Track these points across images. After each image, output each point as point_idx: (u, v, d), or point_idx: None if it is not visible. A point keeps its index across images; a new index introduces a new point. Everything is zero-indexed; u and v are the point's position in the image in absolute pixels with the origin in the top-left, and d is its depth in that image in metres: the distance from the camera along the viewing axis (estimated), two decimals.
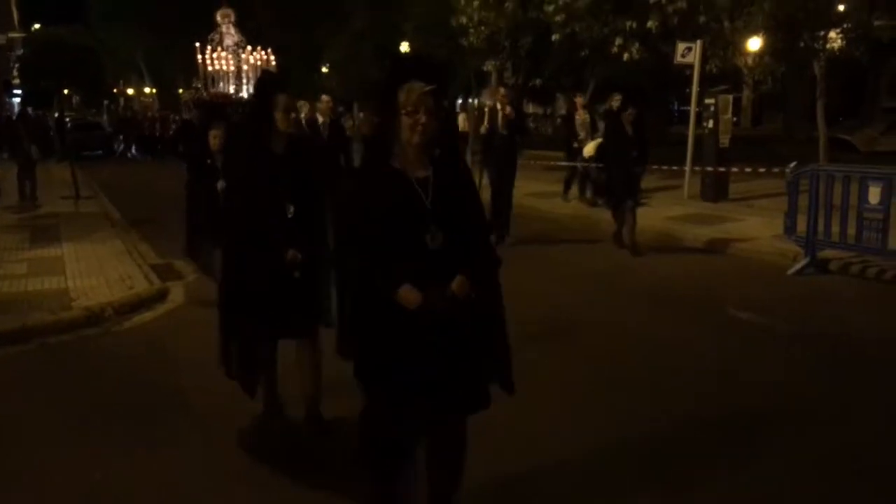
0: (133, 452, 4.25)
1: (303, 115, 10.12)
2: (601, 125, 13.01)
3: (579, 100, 14.12)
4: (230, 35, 24.72)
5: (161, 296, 7.71)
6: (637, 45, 16.25)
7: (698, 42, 13.30)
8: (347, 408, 3.45)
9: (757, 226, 10.49)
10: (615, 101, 13.09)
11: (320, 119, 10.09)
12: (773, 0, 11.92)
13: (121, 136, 35.53)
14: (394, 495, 3.11)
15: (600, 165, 12.05)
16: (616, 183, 9.50)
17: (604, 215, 10.42)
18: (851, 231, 7.99)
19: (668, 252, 9.43)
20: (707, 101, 13.11)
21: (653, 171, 11.93)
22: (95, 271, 8.52)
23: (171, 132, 29.86)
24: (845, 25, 12.29)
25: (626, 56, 16.36)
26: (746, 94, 32.80)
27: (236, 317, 4.22)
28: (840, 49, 12.62)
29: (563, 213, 12.88)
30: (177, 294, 7.84)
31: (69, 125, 29.93)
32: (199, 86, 24.74)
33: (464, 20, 18.21)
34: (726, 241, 9.75)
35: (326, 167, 4.76)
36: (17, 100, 42.17)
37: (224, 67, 24.23)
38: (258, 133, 4.09)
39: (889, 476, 3.90)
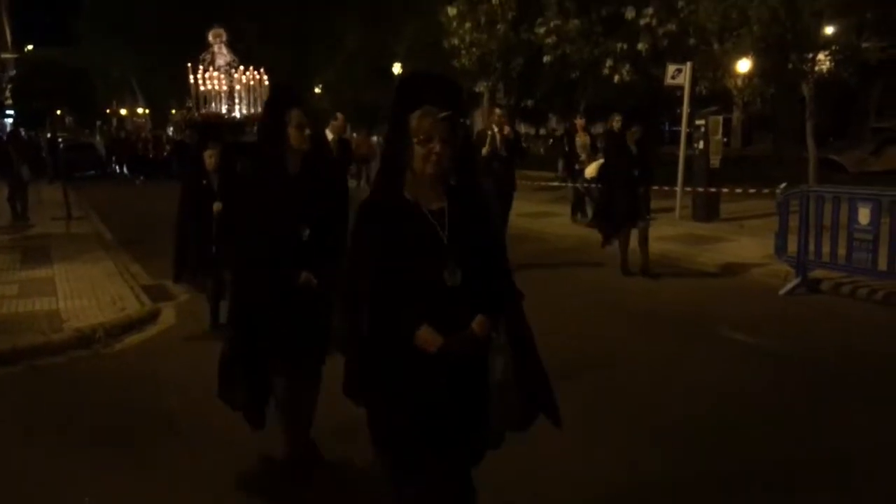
0: (123, 476, 4.22)
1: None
2: (599, 146, 13.08)
3: (580, 121, 14.13)
4: (222, 55, 24.78)
5: (152, 317, 7.68)
6: (627, 66, 16.39)
7: (688, 64, 13.42)
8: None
9: (748, 246, 10.53)
10: (616, 122, 13.18)
11: (330, 136, 9.85)
12: (761, 23, 12.04)
13: (113, 157, 35.55)
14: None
15: (602, 186, 12.07)
16: (618, 205, 9.15)
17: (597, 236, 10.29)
18: (842, 251, 8.03)
19: (660, 272, 9.44)
20: (697, 122, 13.20)
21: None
22: (87, 292, 8.49)
23: (164, 152, 29.87)
24: (833, 48, 12.42)
25: (616, 78, 16.50)
26: (736, 115, 33.01)
27: (248, 347, 3.96)
28: (829, 71, 12.75)
29: (555, 233, 12.90)
30: (168, 315, 7.81)
31: (61, 146, 29.93)
32: (191, 105, 24.74)
33: (456, 42, 18.35)
34: (718, 262, 9.77)
35: (342, 186, 4.53)
36: (10, 120, 42.24)
37: (216, 87, 24.23)
38: (271, 152, 3.90)
39: (887, 488, 3.90)
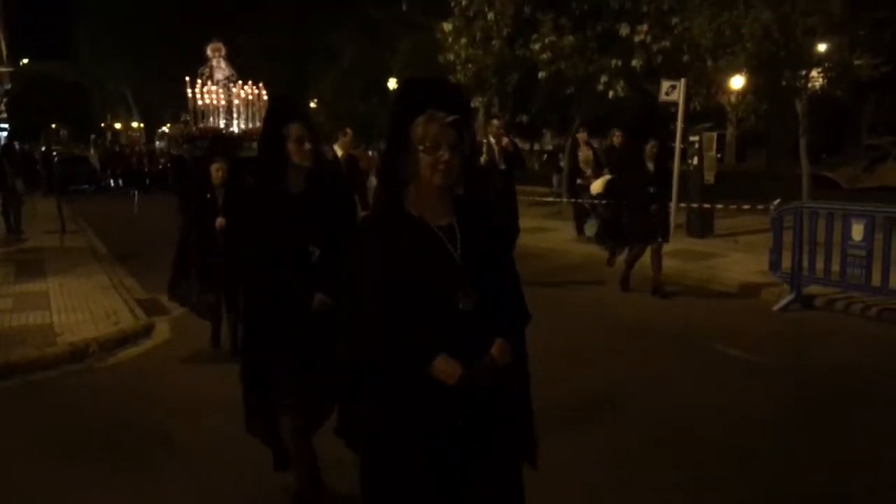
0: (117, 492, 4.20)
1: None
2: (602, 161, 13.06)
3: (582, 136, 14.07)
4: (221, 69, 24.69)
5: (146, 331, 7.66)
6: (622, 82, 16.46)
7: (682, 80, 13.50)
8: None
9: (743, 262, 10.56)
10: (616, 137, 13.22)
11: (339, 152, 9.51)
12: (755, 40, 12.11)
13: (108, 170, 35.55)
14: None
15: (608, 203, 12.06)
16: (633, 223, 8.92)
17: (602, 253, 10.25)
18: (836, 267, 8.06)
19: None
20: (692, 138, 13.28)
21: None
22: (80, 306, 8.46)
23: (158, 166, 29.88)
24: (826, 65, 12.50)
25: (611, 94, 16.56)
26: (730, 131, 33.21)
27: (261, 376, 3.71)
28: (821, 88, 12.83)
29: (554, 249, 12.89)
30: (162, 329, 7.79)
31: (56, 159, 29.91)
32: (189, 119, 24.67)
33: (451, 57, 18.39)
34: (712, 278, 9.79)
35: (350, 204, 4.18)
36: (4, 134, 42.21)
37: (214, 101, 24.15)
38: (271, 169, 3.63)
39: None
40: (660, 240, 8.88)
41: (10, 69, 45.89)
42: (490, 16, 17.39)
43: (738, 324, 7.84)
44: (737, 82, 14.08)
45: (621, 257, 9.53)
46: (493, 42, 17.67)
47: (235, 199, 6.28)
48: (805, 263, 8.32)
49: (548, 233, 14.12)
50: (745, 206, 12.25)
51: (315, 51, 31.83)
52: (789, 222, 8.53)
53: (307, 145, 3.60)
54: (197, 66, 24.61)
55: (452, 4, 18.01)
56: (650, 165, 8.72)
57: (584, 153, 13.69)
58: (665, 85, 13.62)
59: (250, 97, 24.41)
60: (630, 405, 5.44)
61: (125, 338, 7.34)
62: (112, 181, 34.55)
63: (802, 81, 12.42)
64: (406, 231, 2.39)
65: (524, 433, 2.57)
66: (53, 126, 52.15)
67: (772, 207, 8.76)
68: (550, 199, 17.22)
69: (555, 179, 20.86)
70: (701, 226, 13.03)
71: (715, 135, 13.68)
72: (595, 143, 13.74)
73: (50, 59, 51.65)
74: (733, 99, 14.22)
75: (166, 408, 5.49)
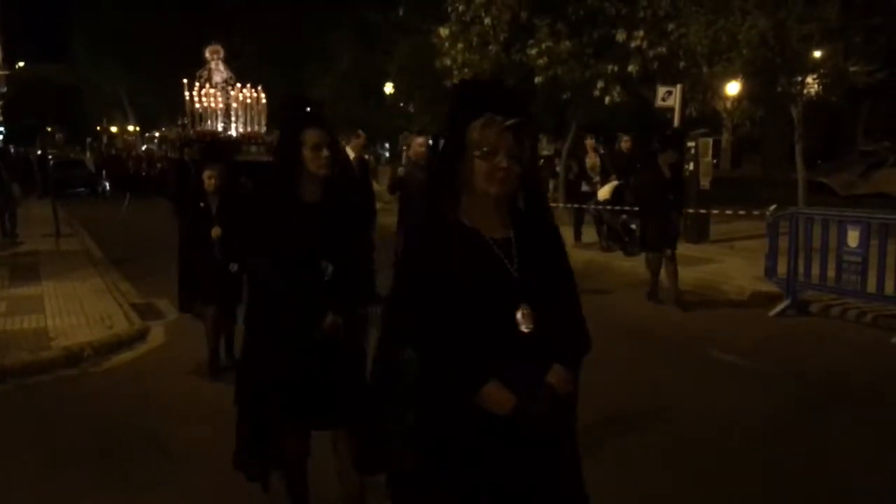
0: (110, 496, 4.18)
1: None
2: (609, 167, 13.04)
3: (590, 142, 14.01)
4: (219, 72, 24.57)
5: (141, 335, 7.63)
6: (618, 88, 16.48)
7: (678, 86, 13.53)
8: None
9: (739, 267, 10.57)
10: (625, 143, 13.22)
11: (351, 155, 9.02)
12: (751, 46, 12.14)
13: (103, 174, 35.46)
14: None
15: (615, 209, 12.06)
16: (653, 231, 8.82)
17: (615, 262, 10.20)
18: (831, 273, 8.08)
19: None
20: (688, 143, 13.29)
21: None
22: (75, 310, 8.43)
23: (155, 170, 29.81)
24: (821, 71, 12.54)
25: (607, 99, 16.57)
26: (726, 136, 33.20)
27: (259, 402, 3.43)
28: (817, 94, 12.86)
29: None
30: (157, 334, 7.76)
31: (51, 162, 29.84)
32: (186, 122, 24.53)
33: (448, 62, 18.40)
34: (709, 283, 9.80)
35: (368, 214, 3.79)
36: (0, 137, 42.18)
37: (212, 105, 23.99)
38: (285, 178, 3.37)
39: None
40: (670, 248, 8.80)
41: (6, 72, 45.87)
42: (487, 21, 17.40)
43: (733, 329, 7.84)
44: (732, 88, 14.11)
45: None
46: (490, 47, 17.68)
47: (232, 207, 6.06)
48: (801, 269, 8.34)
49: None
50: (741, 212, 12.27)
51: (312, 54, 31.85)
52: (785, 228, 8.55)
53: (325, 152, 3.33)
54: (194, 69, 24.54)
55: (449, 9, 18.03)
56: (667, 172, 8.68)
57: (592, 159, 13.61)
58: (661, 90, 13.66)
59: (249, 100, 24.28)
60: (624, 410, 5.43)
61: (120, 342, 7.31)
62: (108, 185, 34.48)
63: (798, 87, 12.46)
64: (459, 242, 2.18)
65: (576, 484, 2.30)
66: (49, 129, 52.21)
67: (768, 213, 8.78)
68: (551, 204, 17.19)
69: (551, 185, 20.86)
70: (697, 231, 13.05)
71: (711, 140, 13.69)
72: (600, 149, 13.68)
73: (46, 63, 51.68)
74: (729, 105, 14.24)
75: (161, 413, 5.47)
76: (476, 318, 2.13)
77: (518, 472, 2.15)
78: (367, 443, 2.36)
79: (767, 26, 11.93)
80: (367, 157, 12.45)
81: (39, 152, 30.47)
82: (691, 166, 13.10)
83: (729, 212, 12.67)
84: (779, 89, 12.67)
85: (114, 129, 57.71)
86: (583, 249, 12.60)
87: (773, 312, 8.35)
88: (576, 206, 13.90)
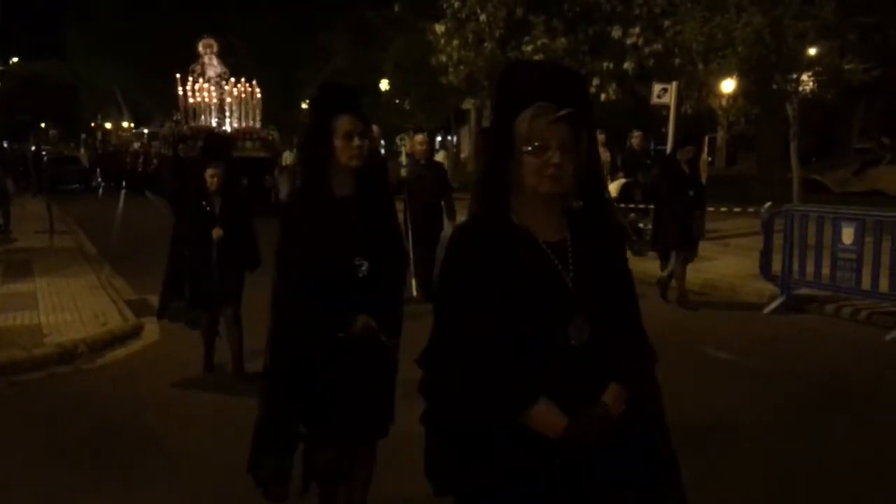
0: (104, 495, 4.16)
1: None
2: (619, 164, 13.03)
3: (601, 137, 13.98)
4: (213, 66, 24.37)
5: (135, 332, 7.60)
6: (614, 85, 16.52)
7: (674, 84, 13.53)
8: None
9: (733, 265, 10.57)
10: (636, 139, 13.19)
11: None
12: (746, 43, 12.16)
13: (98, 170, 35.38)
14: None
15: (622, 206, 12.03)
16: (671, 230, 8.39)
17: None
18: (826, 271, 8.08)
19: (645, 290, 9.43)
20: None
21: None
22: (69, 307, 8.40)
23: (151, 166, 29.70)
24: (817, 69, 12.57)
25: (603, 96, 16.60)
26: (721, 134, 33.31)
27: (284, 413, 3.16)
28: (812, 91, 12.89)
29: None
30: (151, 331, 7.71)
31: (46, 159, 29.77)
32: (180, 118, 24.36)
33: (443, 59, 18.41)
34: (703, 280, 9.79)
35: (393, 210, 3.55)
36: None
37: (206, 100, 23.80)
38: (314, 170, 3.15)
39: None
40: (692, 245, 8.48)
41: (0, 68, 45.74)
42: (482, 18, 17.42)
43: (727, 326, 7.84)
44: (728, 86, 14.13)
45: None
46: (486, 44, 17.69)
47: (233, 207, 5.86)
48: (796, 267, 8.35)
49: None
50: (736, 210, 12.28)
51: (307, 51, 31.78)
52: (780, 225, 8.55)
53: (356, 141, 3.08)
54: (187, 65, 24.40)
55: (445, 6, 18.03)
56: (685, 168, 8.34)
57: (602, 155, 13.59)
58: (657, 88, 13.66)
59: (243, 95, 24.08)
60: None
61: (114, 339, 7.28)
62: (102, 181, 34.39)
63: (793, 85, 12.48)
64: (509, 247, 1.97)
65: (673, 487, 2.17)
66: (43, 126, 52.11)
67: (763, 210, 8.78)
68: None
69: None
70: None
71: (706, 138, 13.71)
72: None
73: (40, 59, 51.49)
74: (724, 102, 14.27)
75: (155, 410, 5.45)
76: (525, 330, 1.94)
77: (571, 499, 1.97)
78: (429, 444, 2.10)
79: (763, 23, 11.95)
80: (381, 150, 12.41)
81: (33, 149, 30.38)
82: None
83: (724, 209, 12.69)
84: (774, 87, 12.70)
85: (108, 125, 57.57)
86: None
87: (767, 310, 8.35)
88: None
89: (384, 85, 28.30)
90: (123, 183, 31.58)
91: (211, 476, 4.32)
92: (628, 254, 2.32)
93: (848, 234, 7.88)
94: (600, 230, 2.07)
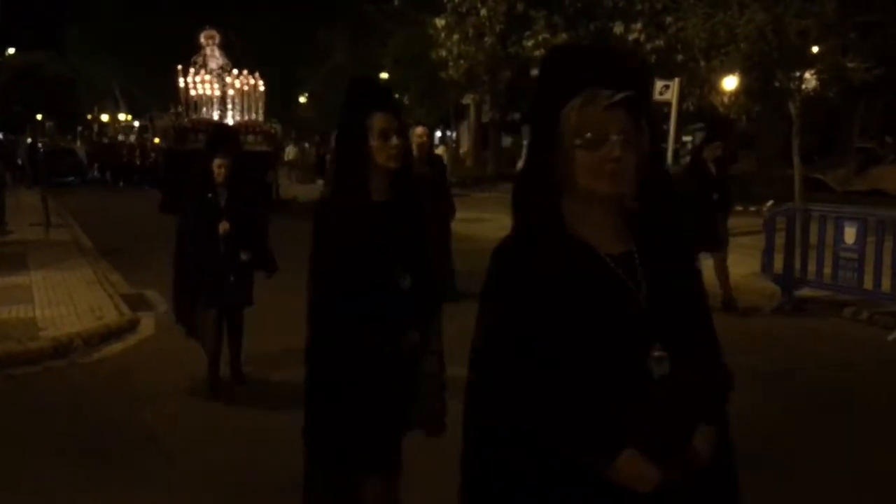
0: (101, 491, 4.10)
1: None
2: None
3: None
4: (214, 58, 24.12)
5: (131, 326, 7.53)
6: None
7: (676, 80, 13.49)
8: None
9: (735, 263, 10.46)
10: None
11: None
12: (748, 40, 12.11)
13: (95, 164, 35.30)
14: None
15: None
16: (697, 231, 7.55)
17: None
18: (828, 270, 8.04)
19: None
20: (684, 138, 13.26)
21: None
22: (64, 300, 8.33)
23: (149, 159, 29.61)
24: (819, 67, 12.53)
25: None
26: None
27: (326, 438, 2.90)
28: (814, 89, 12.85)
29: None
30: (147, 325, 7.66)
31: (41, 151, 29.66)
32: (181, 111, 24.12)
33: (443, 53, 18.37)
34: (705, 279, 9.72)
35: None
36: None
37: (208, 92, 23.52)
38: (349, 171, 2.89)
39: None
40: (715, 249, 8.03)
41: None
42: (483, 12, 17.37)
43: (729, 326, 7.75)
44: (730, 83, 14.08)
45: None
46: (486, 39, 17.66)
47: (239, 201, 5.63)
48: (797, 266, 8.30)
49: None
50: (738, 208, 12.22)
51: (307, 50, 31.71)
52: (782, 224, 8.51)
53: (394, 140, 2.84)
54: (186, 58, 24.24)
55: (445, 0, 17.96)
56: (712, 168, 7.89)
57: None
58: (658, 84, 13.60)
59: (246, 88, 23.82)
60: None
61: (109, 333, 7.21)
62: (99, 174, 34.31)
63: (795, 83, 12.43)
64: (565, 262, 1.64)
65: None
66: (39, 118, 51.89)
67: (765, 209, 8.74)
68: None
69: None
70: None
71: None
72: None
73: (36, 50, 51.27)
74: (726, 100, 14.22)
75: (150, 405, 5.40)
76: (600, 365, 1.61)
77: None
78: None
79: (765, 20, 11.90)
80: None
81: (29, 141, 30.27)
82: (688, 161, 13.05)
83: None
84: (776, 84, 12.65)
85: (105, 118, 57.38)
86: None
87: (769, 309, 8.30)
88: None
89: (384, 77, 28.25)
90: (121, 178, 31.51)
91: (205, 469, 4.27)
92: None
93: (850, 234, 7.84)
94: (670, 239, 1.76)
